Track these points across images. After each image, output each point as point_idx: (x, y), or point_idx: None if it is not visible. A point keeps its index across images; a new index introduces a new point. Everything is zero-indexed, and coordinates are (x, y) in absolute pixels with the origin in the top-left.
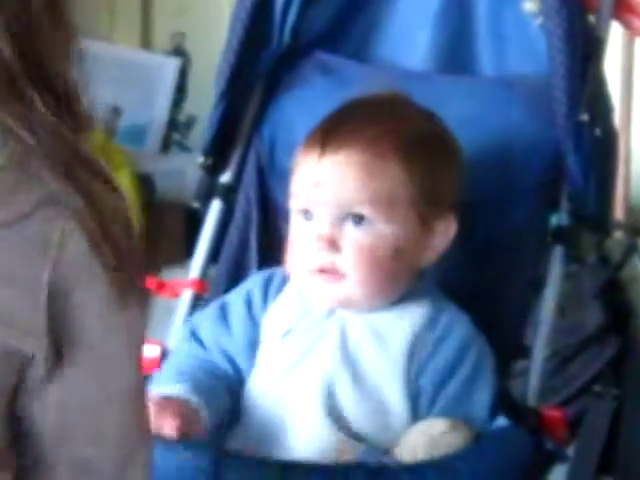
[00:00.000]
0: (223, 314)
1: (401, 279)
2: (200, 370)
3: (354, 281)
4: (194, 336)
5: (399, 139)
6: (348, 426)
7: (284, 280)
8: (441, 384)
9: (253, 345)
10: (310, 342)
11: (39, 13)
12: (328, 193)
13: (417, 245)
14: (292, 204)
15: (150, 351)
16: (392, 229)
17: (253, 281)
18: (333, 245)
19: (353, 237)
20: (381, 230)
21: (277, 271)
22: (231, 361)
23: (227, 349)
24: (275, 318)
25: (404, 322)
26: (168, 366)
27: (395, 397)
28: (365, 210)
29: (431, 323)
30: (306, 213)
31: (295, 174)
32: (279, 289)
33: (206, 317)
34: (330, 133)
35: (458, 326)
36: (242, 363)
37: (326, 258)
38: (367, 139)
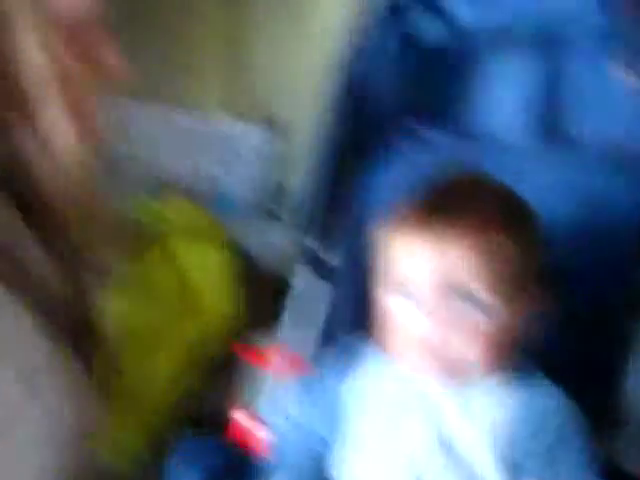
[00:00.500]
0: (309, 391)
1: (504, 354)
2: (298, 456)
3: (462, 357)
4: (287, 417)
5: (505, 218)
6: None
7: (367, 356)
8: (545, 467)
9: (337, 422)
10: (397, 419)
11: None
12: (436, 271)
13: (520, 320)
14: (391, 283)
15: (243, 419)
16: (502, 306)
17: (336, 357)
18: (445, 323)
19: (463, 313)
20: (491, 306)
21: (360, 347)
22: (322, 440)
23: (314, 428)
24: (359, 394)
25: (501, 401)
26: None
27: (492, 476)
28: (474, 286)
29: (528, 402)
30: (407, 294)
31: (396, 252)
32: (362, 365)
33: (294, 396)
34: (437, 211)
35: (553, 403)
36: (329, 439)
37: (438, 335)
38: (476, 218)
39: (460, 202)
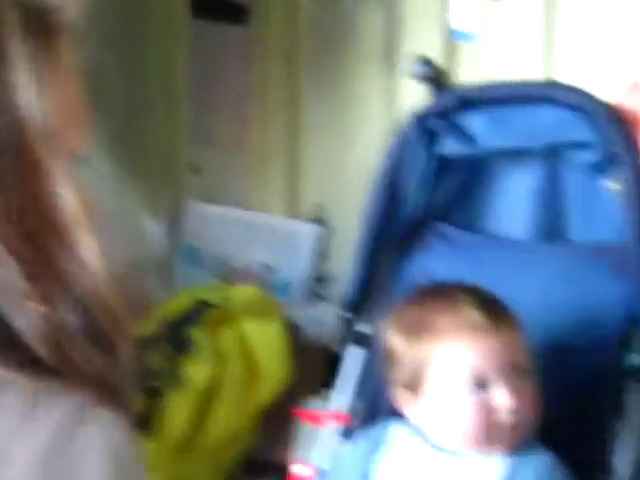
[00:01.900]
0: (340, 473)
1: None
2: None
3: (526, 427)
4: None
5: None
6: None
7: (388, 435)
8: None
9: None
10: (420, 463)
11: None
12: (508, 360)
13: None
14: (457, 380)
15: (302, 470)
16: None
17: (360, 444)
18: (521, 399)
19: (523, 389)
20: (530, 376)
21: (378, 429)
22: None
23: None
24: (386, 469)
25: (502, 462)
26: None
27: None
28: (525, 362)
29: (523, 461)
30: (483, 385)
31: (446, 353)
32: (383, 444)
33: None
34: (492, 308)
35: (542, 462)
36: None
37: (514, 418)
38: (509, 312)
39: (496, 306)
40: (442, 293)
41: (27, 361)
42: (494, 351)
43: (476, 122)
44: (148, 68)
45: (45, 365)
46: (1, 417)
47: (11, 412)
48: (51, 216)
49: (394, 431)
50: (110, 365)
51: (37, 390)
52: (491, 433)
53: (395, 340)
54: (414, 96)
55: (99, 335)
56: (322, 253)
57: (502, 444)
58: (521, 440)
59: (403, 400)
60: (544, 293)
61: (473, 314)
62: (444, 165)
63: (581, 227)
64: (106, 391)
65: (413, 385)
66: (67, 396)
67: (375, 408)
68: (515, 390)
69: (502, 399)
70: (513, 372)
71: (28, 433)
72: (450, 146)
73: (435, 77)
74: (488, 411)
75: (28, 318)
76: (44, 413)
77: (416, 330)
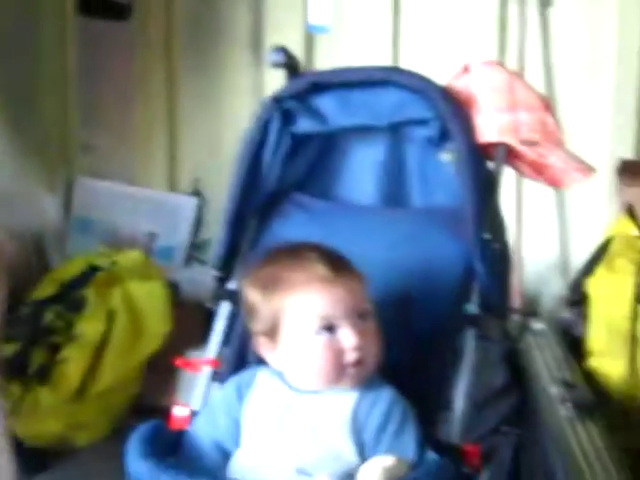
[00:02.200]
0: (211, 412)
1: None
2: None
3: (370, 364)
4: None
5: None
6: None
7: (253, 379)
8: (377, 437)
9: (236, 432)
10: (281, 421)
11: None
12: (353, 301)
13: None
14: (307, 325)
15: (181, 411)
16: (374, 316)
17: (230, 386)
18: (363, 338)
19: (365, 330)
20: (372, 318)
21: (246, 374)
22: (220, 446)
23: (218, 438)
24: (252, 408)
25: (352, 396)
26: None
27: (348, 450)
28: (366, 306)
29: (367, 395)
30: (330, 328)
31: (299, 303)
32: (249, 387)
33: (202, 416)
34: (335, 262)
35: (387, 395)
36: (230, 446)
37: (357, 353)
38: (350, 265)
39: (338, 260)
40: (291, 252)
41: None
42: (339, 299)
43: (326, 103)
44: (42, 61)
45: None
46: None
47: None
48: None
49: (259, 375)
50: None
51: None
52: (340, 370)
53: (253, 295)
54: (277, 82)
55: None
56: (199, 222)
57: (350, 380)
58: (367, 376)
59: (263, 347)
60: (390, 252)
61: (318, 268)
62: (299, 141)
63: (420, 193)
64: None
65: (271, 333)
66: None
67: (243, 355)
68: (358, 331)
69: (347, 339)
70: (356, 316)
71: None
72: (304, 124)
73: (290, 64)
74: (336, 351)
75: None
76: None
77: (270, 285)
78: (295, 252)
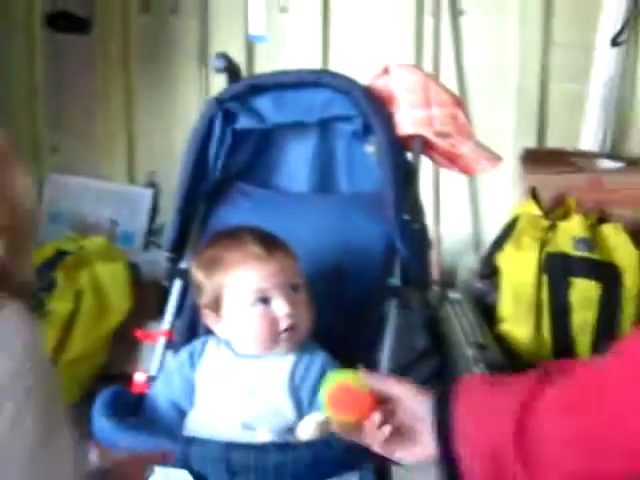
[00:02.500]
0: (168, 377)
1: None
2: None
3: (302, 330)
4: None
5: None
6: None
7: (204, 347)
8: (312, 395)
9: (191, 393)
10: (229, 383)
11: None
12: (284, 276)
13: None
14: (244, 299)
15: (140, 377)
16: (305, 291)
17: (183, 353)
18: (294, 309)
19: (297, 300)
20: (304, 292)
21: (197, 342)
22: (177, 406)
23: (174, 399)
24: (203, 373)
25: (288, 358)
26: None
27: (287, 407)
28: (298, 280)
29: (302, 356)
30: (265, 300)
31: (238, 278)
32: (200, 354)
33: (160, 380)
34: (268, 242)
35: (319, 357)
36: (185, 406)
37: (289, 319)
38: (282, 244)
39: (271, 240)
40: (229, 235)
41: None
42: (271, 274)
43: (263, 103)
44: (13, 73)
45: None
46: None
47: None
48: None
49: (209, 343)
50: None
51: None
52: (275, 336)
53: (198, 274)
54: (221, 86)
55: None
56: (155, 210)
57: (285, 345)
58: (300, 341)
59: (210, 319)
60: (321, 232)
61: (253, 248)
62: (240, 136)
63: (347, 181)
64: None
65: (215, 307)
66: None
67: (194, 327)
68: (290, 302)
69: (280, 308)
70: (288, 288)
71: None
72: (243, 121)
73: (231, 69)
74: (270, 319)
75: None
76: None
77: (212, 265)
78: (232, 235)
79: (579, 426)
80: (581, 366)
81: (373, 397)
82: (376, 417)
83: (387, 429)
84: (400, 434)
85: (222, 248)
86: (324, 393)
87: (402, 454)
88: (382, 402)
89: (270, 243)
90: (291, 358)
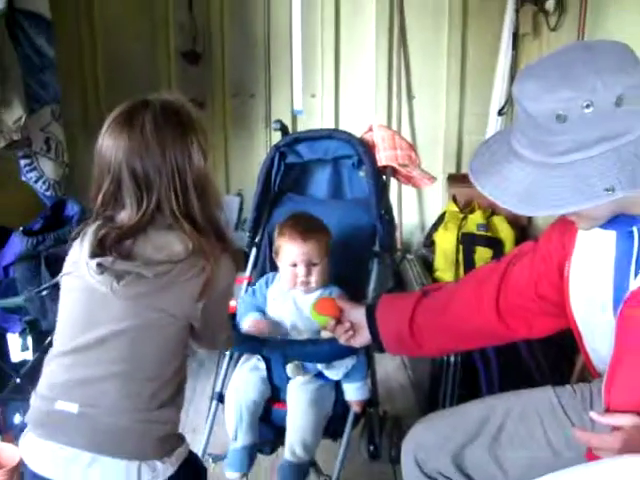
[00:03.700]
0: (254, 292)
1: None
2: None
3: (313, 283)
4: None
5: (324, 232)
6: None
7: (273, 279)
8: None
9: (264, 304)
10: (283, 303)
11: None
12: (306, 257)
13: (327, 266)
14: (290, 260)
15: (232, 302)
16: (323, 264)
17: (262, 280)
18: (308, 276)
19: (315, 271)
20: (320, 266)
21: (270, 275)
22: (260, 309)
23: (258, 305)
24: (271, 293)
25: (317, 293)
26: (242, 309)
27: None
28: (317, 259)
29: (325, 291)
30: (294, 265)
31: (285, 248)
32: (272, 282)
33: (247, 295)
34: (304, 231)
35: (335, 291)
36: (264, 308)
37: (305, 278)
38: (314, 234)
39: (305, 225)
40: (293, 220)
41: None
42: (300, 253)
43: (301, 147)
44: None
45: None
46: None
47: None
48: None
49: (275, 277)
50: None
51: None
52: (294, 285)
53: (276, 236)
54: (278, 138)
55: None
56: (241, 210)
57: (302, 289)
58: (313, 288)
59: (277, 261)
60: (335, 221)
61: (296, 234)
62: (289, 167)
63: (349, 191)
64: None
65: (277, 257)
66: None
67: (263, 274)
68: (306, 271)
69: (300, 272)
70: (309, 263)
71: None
72: (290, 158)
73: (283, 128)
74: (294, 275)
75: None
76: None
77: (279, 235)
78: (293, 221)
79: (440, 320)
80: (445, 286)
81: (338, 306)
82: (346, 324)
83: (347, 327)
84: (353, 331)
85: (286, 226)
86: (312, 304)
87: (356, 342)
88: (342, 311)
89: (306, 233)
90: (318, 291)
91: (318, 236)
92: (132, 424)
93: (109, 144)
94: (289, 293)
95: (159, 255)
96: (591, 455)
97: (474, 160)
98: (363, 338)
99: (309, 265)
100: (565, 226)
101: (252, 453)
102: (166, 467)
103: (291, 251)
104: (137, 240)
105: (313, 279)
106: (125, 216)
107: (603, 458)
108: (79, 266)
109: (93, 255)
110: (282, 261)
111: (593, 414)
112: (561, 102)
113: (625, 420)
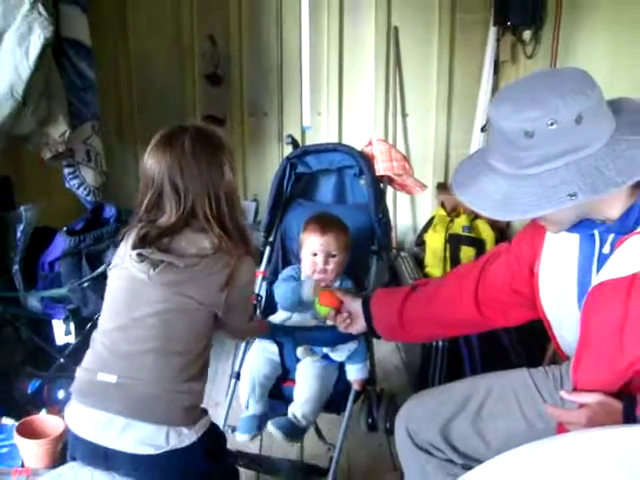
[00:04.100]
0: (291, 275)
1: (340, 271)
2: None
3: (330, 273)
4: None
5: (342, 229)
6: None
7: (299, 271)
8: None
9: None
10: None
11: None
12: (325, 248)
13: (346, 261)
14: (311, 250)
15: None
16: (340, 257)
17: (290, 270)
18: (325, 265)
19: (332, 262)
20: (337, 257)
21: (296, 266)
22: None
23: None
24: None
25: (336, 284)
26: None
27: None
28: (335, 251)
29: (342, 283)
30: (314, 255)
31: (307, 240)
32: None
33: (282, 278)
34: (325, 225)
35: (349, 283)
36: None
37: (322, 266)
38: (333, 228)
39: (326, 221)
40: (315, 217)
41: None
42: (320, 244)
43: (310, 159)
44: None
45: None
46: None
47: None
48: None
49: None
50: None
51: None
52: (313, 273)
53: (302, 233)
54: (289, 151)
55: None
56: (257, 213)
57: (320, 278)
58: (329, 277)
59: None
60: (345, 220)
61: (316, 227)
62: (299, 176)
63: (351, 197)
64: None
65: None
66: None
67: (276, 269)
68: (324, 261)
69: (318, 262)
70: (327, 255)
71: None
72: (300, 169)
73: (294, 142)
74: (313, 264)
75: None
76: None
77: (304, 229)
78: (315, 217)
79: (426, 311)
80: (431, 281)
81: (338, 298)
82: (344, 314)
83: (344, 317)
84: (351, 319)
85: (310, 222)
86: (315, 296)
87: (353, 329)
88: (342, 302)
89: (325, 227)
90: (337, 282)
91: (336, 231)
92: (163, 393)
93: (153, 162)
94: (307, 279)
95: (190, 250)
96: (561, 429)
97: (456, 175)
98: (359, 326)
99: (328, 256)
100: (535, 229)
101: (261, 422)
102: (191, 434)
103: (312, 242)
104: (174, 238)
105: (330, 268)
106: (165, 219)
107: (571, 431)
108: (124, 259)
109: (135, 247)
110: (304, 250)
111: (563, 393)
112: (528, 121)
113: (590, 398)
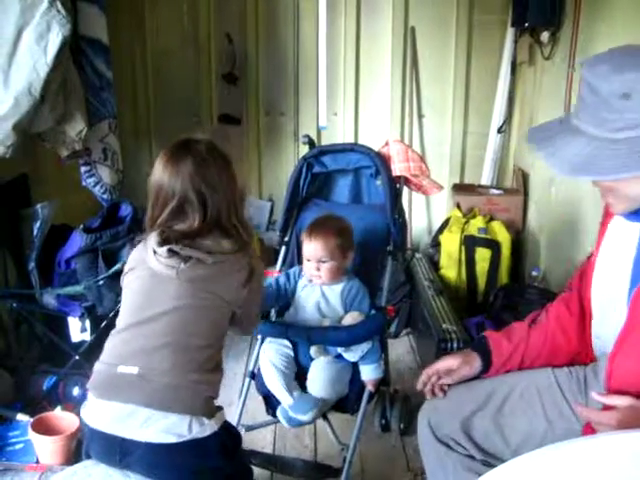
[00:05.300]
0: (287, 276)
1: (340, 273)
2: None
3: (324, 278)
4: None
5: (334, 233)
6: (324, 319)
7: (300, 272)
8: (352, 303)
9: (296, 285)
10: (311, 292)
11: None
12: (313, 254)
13: (343, 263)
14: (305, 256)
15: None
16: (331, 263)
17: (297, 268)
18: (317, 270)
19: (323, 267)
20: (327, 264)
21: (298, 267)
22: (290, 291)
23: (286, 288)
24: (301, 282)
25: (341, 285)
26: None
27: (338, 307)
28: (325, 257)
29: (348, 284)
30: (308, 260)
31: (303, 245)
32: (300, 274)
33: (280, 276)
34: (312, 231)
35: (356, 284)
36: (291, 293)
37: (315, 272)
38: (321, 234)
39: (316, 226)
40: (310, 225)
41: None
42: (311, 250)
43: (326, 159)
44: None
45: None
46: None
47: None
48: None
49: (300, 272)
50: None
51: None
52: (310, 277)
53: (304, 238)
54: (305, 150)
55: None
56: (272, 212)
57: (316, 281)
58: (326, 282)
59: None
60: (357, 222)
61: (309, 235)
62: (315, 176)
63: (367, 198)
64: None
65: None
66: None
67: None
68: (316, 266)
69: (311, 267)
70: (318, 261)
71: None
72: (317, 168)
73: (310, 142)
74: (309, 269)
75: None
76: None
77: (306, 233)
78: (311, 222)
79: (543, 341)
80: (541, 320)
81: None
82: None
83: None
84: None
85: (311, 225)
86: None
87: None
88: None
89: (312, 233)
90: (342, 284)
91: (324, 236)
92: (185, 383)
93: (172, 173)
94: (311, 286)
95: (215, 248)
96: (588, 429)
97: (534, 131)
98: (473, 369)
99: (318, 262)
100: (601, 229)
101: (314, 401)
102: (212, 424)
103: (304, 248)
104: (195, 240)
105: (321, 273)
106: (185, 226)
107: (599, 432)
108: (144, 259)
109: (161, 245)
110: (303, 256)
111: (594, 394)
112: (628, 82)
113: (621, 400)
